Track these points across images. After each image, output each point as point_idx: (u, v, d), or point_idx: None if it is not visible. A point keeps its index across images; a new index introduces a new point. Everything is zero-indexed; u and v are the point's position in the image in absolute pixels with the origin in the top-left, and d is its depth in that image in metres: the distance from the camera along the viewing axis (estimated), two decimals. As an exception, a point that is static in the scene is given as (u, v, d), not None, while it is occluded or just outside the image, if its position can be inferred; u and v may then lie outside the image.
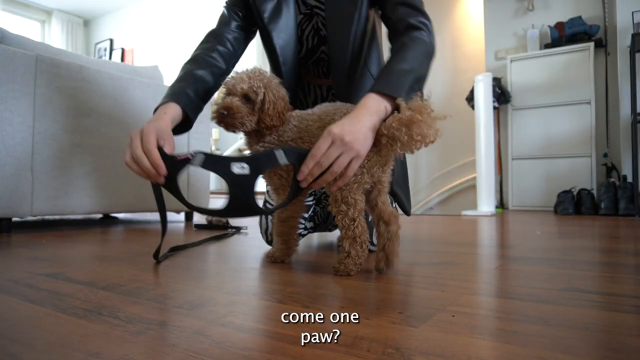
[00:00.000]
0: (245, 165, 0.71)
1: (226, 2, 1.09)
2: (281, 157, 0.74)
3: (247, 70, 0.85)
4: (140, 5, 6.06)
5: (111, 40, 6.43)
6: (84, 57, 1.92)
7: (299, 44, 1.09)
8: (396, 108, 0.76)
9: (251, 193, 0.72)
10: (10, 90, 1.57)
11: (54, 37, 6.19)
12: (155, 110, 0.89)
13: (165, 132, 0.80)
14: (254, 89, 0.81)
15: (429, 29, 0.90)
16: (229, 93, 0.82)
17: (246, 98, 0.81)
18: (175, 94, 0.90)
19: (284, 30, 1.03)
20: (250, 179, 0.72)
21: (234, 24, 1.06)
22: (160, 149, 0.77)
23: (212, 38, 1.04)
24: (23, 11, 6.00)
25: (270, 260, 0.94)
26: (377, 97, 0.77)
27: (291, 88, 1.03)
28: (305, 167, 0.72)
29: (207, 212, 0.83)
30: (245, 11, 1.06)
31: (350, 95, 1.00)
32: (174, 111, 0.87)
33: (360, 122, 0.73)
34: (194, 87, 0.93)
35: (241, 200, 0.71)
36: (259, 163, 0.73)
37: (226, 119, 0.80)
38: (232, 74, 0.85)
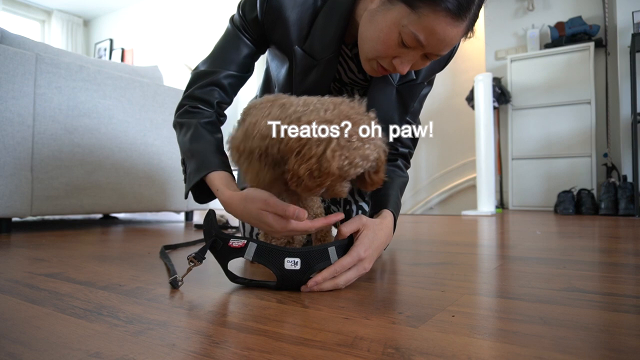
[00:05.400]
0: (298, 261, 0.67)
1: (235, 21, 0.90)
2: (333, 255, 0.69)
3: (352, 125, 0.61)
4: (140, 5, 6.06)
5: (111, 40, 6.43)
6: (84, 57, 1.92)
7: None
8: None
9: (300, 285, 0.68)
10: (10, 90, 1.57)
11: (54, 37, 6.19)
12: (194, 179, 0.80)
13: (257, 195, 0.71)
14: (372, 164, 0.66)
15: (410, 159, 1.06)
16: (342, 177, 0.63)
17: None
18: (206, 162, 0.80)
19: (311, 89, 0.88)
20: (301, 275, 0.67)
21: (245, 51, 0.90)
22: (218, 232, 0.70)
23: (219, 70, 0.89)
24: (23, 11, 6.00)
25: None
26: (392, 218, 0.84)
27: None
28: (321, 276, 0.67)
29: (252, 284, 0.73)
30: (259, 33, 0.88)
31: None
32: (225, 178, 0.80)
33: (382, 245, 0.77)
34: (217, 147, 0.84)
35: (289, 286, 0.68)
36: (311, 259, 0.68)
37: (322, 195, 0.69)
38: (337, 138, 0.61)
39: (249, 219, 0.72)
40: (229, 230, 1.78)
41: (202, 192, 0.83)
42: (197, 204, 2.28)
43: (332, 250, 0.69)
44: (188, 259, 0.69)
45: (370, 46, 0.75)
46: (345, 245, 0.72)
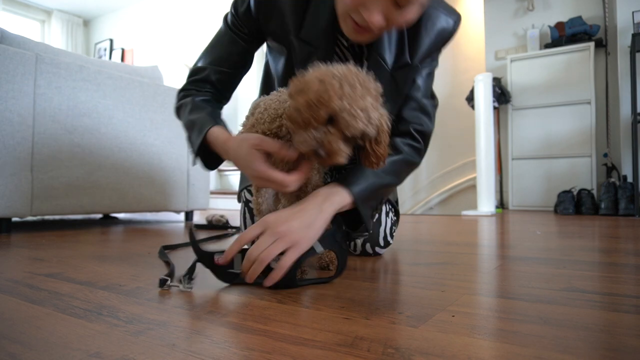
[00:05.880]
0: None
1: (227, 19, 0.92)
2: (318, 247, 0.72)
3: (351, 79, 0.61)
4: (140, 5, 6.06)
5: (111, 40, 6.43)
6: (84, 57, 1.92)
7: None
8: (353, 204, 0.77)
9: (295, 279, 0.69)
10: (10, 90, 1.57)
11: (54, 37, 6.19)
12: (198, 141, 0.82)
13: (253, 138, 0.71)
14: (372, 127, 0.63)
15: (426, 143, 0.98)
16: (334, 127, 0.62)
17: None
18: (206, 120, 0.83)
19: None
20: (292, 271, 0.68)
21: (237, 48, 0.91)
22: (200, 252, 0.72)
23: (210, 72, 0.91)
24: (23, 11, 5.99)
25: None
26: (342, 191, 0.76)
27: None
28: (229, 250, 0.68)
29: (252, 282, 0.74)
30: (252, 28, 0.89)
31: None
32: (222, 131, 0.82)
33: (303, 210, 0.71)
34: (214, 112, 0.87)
35: (285, 284, 0.70)
36: (299, 257, 0.69)
37: (319, 160, 0.65)
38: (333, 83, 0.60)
39: (239, 160, 0.73)
40: (230, 231, 1.78)
41: (209, 157, 0.85)
42: (196, 204, 2.30)
43: (317, 245, 0.72)
44: (180, 280, 0.71)
45: (340, 2, 0.76)
46: (330, 234, 0.74)
